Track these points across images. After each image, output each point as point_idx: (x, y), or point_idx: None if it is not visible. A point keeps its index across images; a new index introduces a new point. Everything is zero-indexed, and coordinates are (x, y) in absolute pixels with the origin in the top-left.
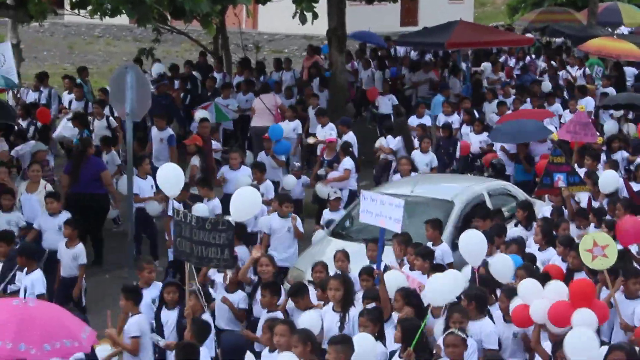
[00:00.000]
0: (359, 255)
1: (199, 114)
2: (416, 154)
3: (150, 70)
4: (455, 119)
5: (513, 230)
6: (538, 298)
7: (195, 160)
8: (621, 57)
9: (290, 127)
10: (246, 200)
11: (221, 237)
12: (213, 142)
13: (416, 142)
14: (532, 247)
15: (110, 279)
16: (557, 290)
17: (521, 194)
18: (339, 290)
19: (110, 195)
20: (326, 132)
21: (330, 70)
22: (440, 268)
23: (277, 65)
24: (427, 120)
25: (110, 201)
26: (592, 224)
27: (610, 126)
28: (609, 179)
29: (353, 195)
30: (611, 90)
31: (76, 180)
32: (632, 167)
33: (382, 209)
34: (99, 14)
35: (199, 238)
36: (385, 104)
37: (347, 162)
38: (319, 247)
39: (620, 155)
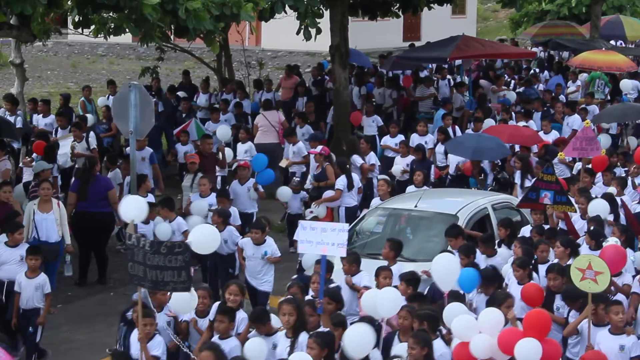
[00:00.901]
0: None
1: (220, 129)
2: (374, 202)
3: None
4: (429, 139)
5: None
6: (474, 333)
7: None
8: (603, 69)
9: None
10: (205, 239)
11: (177, 260)
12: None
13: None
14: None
15: (115, 296)
16: (492, 320)
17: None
18: (292, 315)
19: (116, 213)
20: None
21: (334, 86)
22: (421, 297)
23: (257, 86)
24: (429, 138)
25: (115, 219)
26: (588, 246)
27: (604, 142)
28: (598, 208)
29: (351, 213)
30: (593, 108)
31: (85, 199)
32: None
33: (323, 236)
34: (102, 33)
35: (154, 262)
36: (370, 125)
37: (340, 182)
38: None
39: (619, 171)
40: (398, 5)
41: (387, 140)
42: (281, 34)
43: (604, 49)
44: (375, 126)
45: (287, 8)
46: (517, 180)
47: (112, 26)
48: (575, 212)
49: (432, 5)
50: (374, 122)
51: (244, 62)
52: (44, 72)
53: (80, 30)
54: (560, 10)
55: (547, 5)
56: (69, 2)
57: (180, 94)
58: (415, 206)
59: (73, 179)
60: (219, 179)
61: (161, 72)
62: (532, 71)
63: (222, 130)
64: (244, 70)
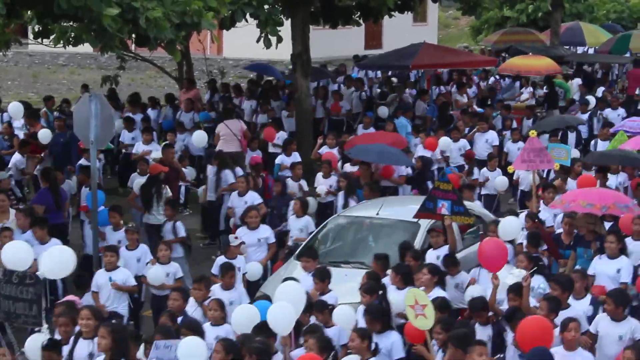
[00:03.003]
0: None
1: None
2: (291, 220)
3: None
4: None
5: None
6: None
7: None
8: (522, 73)
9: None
10: (56, 263)
11: (29, 292)
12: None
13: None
14: None
15: None
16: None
17: (486, 214)
18: (106, 339)
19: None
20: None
21: (296, 95)
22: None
23: (152, 104)
24: None
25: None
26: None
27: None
28: (510, 228)
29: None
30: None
31: (62, 209)
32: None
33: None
34: (62, 42)
35: (6, 292)
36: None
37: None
38: (284, 271)
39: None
40: (359, 13)
41: (284, 160)
42: (243, 42)
43: (530, 54)
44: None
45: (248, 16)
46: (340, 201)
47: (72, 35)
48: (472, 222)
49: (392, 13)
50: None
51: (205, 71)
52: (4, 82)
53: (40, 40)
54: (519, 17)
55: (507, 11)
56: (29, 13)
57: None
58: (377, 214)
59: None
60: (182, 188)
61: (122, 82)
62: (492, 78)
63: (198, 136)
64: (206, 78)
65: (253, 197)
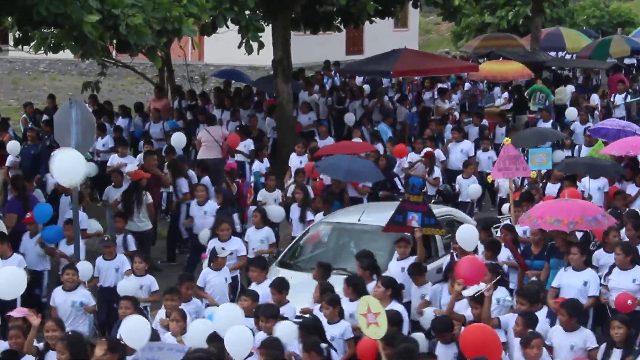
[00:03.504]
0: (306, 286)
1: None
2: (250, 231)
3: None
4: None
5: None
6: None
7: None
8: (488, 78)
9: None
10: (6, 282)
11: None
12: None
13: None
14: None
15: None
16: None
17: (469, 221)
18: (64, 354)
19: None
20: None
21: (277, 100)
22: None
23: (123, 112)
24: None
25: None
26: None
27: (558, 156)
28: (467, 237)
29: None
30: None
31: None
32: None
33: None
34: (42, 49)
35: None
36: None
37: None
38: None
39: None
40: (340, 19)
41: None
42: (224, 48)
43: (500, 59)
44: (247, 150)
45: (229, 22)
46: (294, 214)
47: (52, 42)
48: (443, 234)
49: (373, 19)
50: (245, 147)
51: (186, 77)
52: None
53: (20, 47)
54: (500, 23)
55: (488, 17)
56: (9, 19)
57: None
58: (359, 220)
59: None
60: (163, 194)
61: (103, 88)
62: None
63: (177, 138)
64: (187, 85)
65: (212, 207)
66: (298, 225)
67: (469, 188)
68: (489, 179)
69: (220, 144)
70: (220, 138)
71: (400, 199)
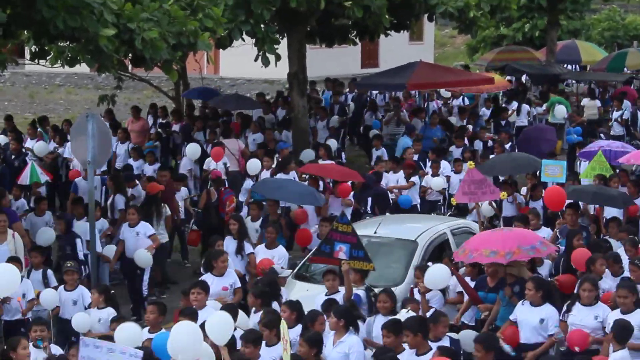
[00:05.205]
0: (320, 298)
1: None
2: (228, 241)
3: None
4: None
5: None
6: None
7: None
8: (463, 91)
9: None
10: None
11: None
12: (183, 188)
13: None
14: None
15: None
16: None
17: None
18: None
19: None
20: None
21: (293, 113)
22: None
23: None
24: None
25: None
26: None
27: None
28: (437, 276)
29: None
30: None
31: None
32: None
33: (108, 357)
34: (59, 62)
35: None
36: (221, 168)
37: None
38: (283, 290)
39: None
40: (355, 32)
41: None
42: (240, 61)
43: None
44: (223, 168)
45: (244, 35)
46: (230, 246)
47: (69, 56)
48: (373, 269)
49: (389, 32)
50: (224, 165)
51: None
52: (1, 103)
53: (37, 60)
54: (515, 36)
55: (504, 30)
56: (26, 33)
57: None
58: (375, 232)
59: None
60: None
61: (119, 101)
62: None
63: (191, 149)
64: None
65: (145, 228)
66: (234, 259)
67: (433, 181)
68: (453, 201)
69: (237, 157)
70: (237, 151)
71: (331, 228)
